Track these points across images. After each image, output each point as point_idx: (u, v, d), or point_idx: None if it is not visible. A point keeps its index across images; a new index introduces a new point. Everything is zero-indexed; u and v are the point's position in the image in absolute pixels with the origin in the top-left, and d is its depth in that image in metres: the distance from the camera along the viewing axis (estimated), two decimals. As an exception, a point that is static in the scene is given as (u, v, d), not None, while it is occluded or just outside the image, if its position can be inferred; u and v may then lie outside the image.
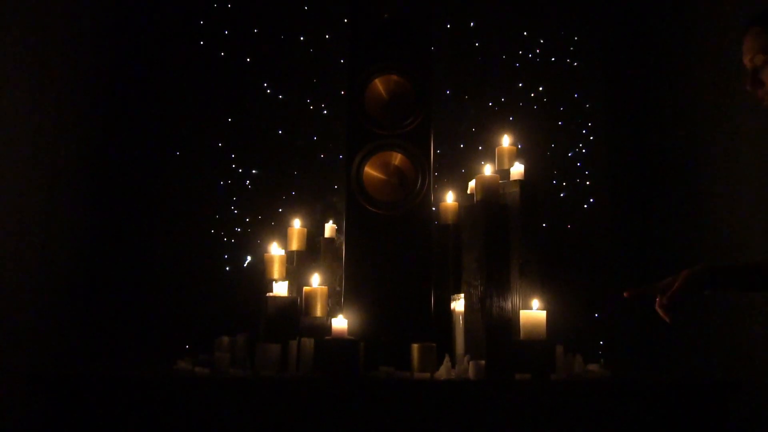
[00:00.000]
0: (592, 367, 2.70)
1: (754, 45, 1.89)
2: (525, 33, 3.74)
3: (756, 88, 1.87)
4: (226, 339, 2.67)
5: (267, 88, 3.66)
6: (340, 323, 2.52)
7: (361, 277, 2.78)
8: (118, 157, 3.48)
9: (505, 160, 3.00)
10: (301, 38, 3.69)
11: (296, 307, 2.72)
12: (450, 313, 2.82)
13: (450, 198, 3.11)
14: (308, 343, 2.51)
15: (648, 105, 3.70)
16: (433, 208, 2.93)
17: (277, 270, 2.88)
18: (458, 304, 2.75)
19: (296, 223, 3.10)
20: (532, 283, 2.71)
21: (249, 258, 3.36)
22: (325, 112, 3.64)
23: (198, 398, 2.35)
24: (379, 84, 2.94)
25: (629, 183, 3.65)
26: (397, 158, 2.89)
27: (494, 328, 2.52)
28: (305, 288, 2.71)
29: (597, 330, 3.51)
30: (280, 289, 2.79)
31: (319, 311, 2.68)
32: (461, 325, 2.70)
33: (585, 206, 3.65)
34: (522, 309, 2.60)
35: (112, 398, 2.35)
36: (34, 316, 2.80)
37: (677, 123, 3.52)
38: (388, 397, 2.36)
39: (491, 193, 2.70)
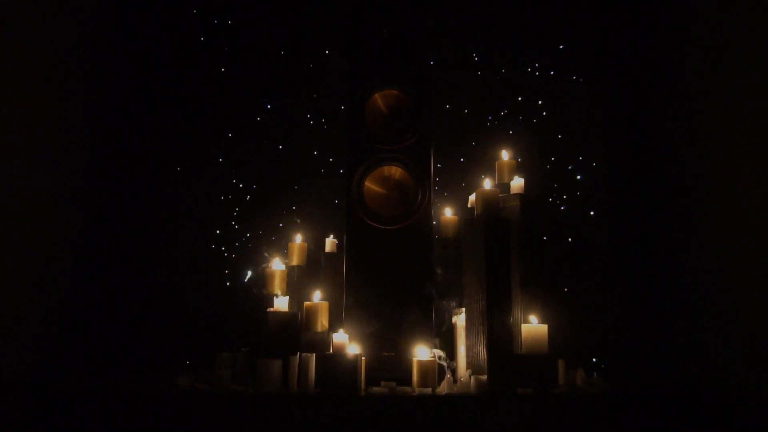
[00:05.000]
0: (595, 380, 2.69)
1: None
2: (524, 47, 3.75)
3: None
4: (226, 355, 2.66)
5: (267, 103, 3.68)
6: (340, 338, 2.51)
7: (361, 291, 2.78)
8: (118, 172, 3.49)
9: (505, 174, 3.00)
10: (301, 54, 3.71)
11: (297, 322, 2.72)
12: (451, 327, 2.81)
13: (450, 212, 3.12)
14: (309, 358, 2.51)
15: (647, 118, 3.71)
16: (434, 222, 2.93)
17: (277, 285, 2.88)
18: (459, 319, 2.75)
19: (297, 238, 3.10)
20: (533, 296, 2.71)
21: (250, 273, 3.36)
22: (326, 127, 3.65)
23: (199, 415, 2.34)
24: (378, 99, 2.95)
25: (629, 196, 3.65)
26: (398, 173, 2.90)
27: (496, 343, 2.51)
28: (306, 303, 2.71)
29: (599, 343, 3.50)
30: (281, 304, 2.78)
31: (319, 326, 2.67)
32: (463, 340, 2.69)
33: (585, 219, 3.65)
34: (523, 323, 2.59)
35: (112, 414, 2.34)
36: (36, 331, 2.80)
37: (677, 136, 3.53)
38: (390, 412, 2.35)
39: (491, 206, 2.70)
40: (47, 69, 2.90)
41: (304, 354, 2.52)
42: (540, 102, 3.74)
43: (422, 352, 2.55)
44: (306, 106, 3.68)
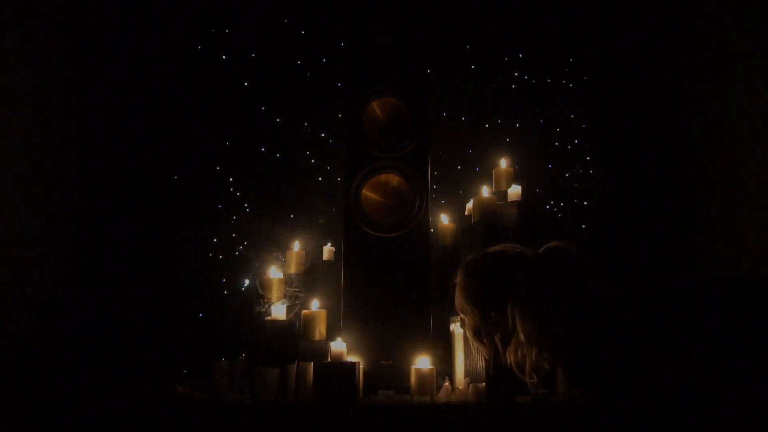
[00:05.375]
0: (593, 388, 2.68)
1: (459, 304, 1.72)
2: (521, 55, 3.76)
3: (483, 349, 1.77)
4: (224, 363, 2.66)
5: (265, 111, 3.68)
6: (338, 346, 2.51)
7: (359, 299, 2.77)
8: (114, 181, 3.48)
9: (502, 182, 3.01)
10: (299, 62, 3.72)
11: (295, 331, 2.71)
12: (449, 335, 2.81)
13: (447, 219, 3.12)
14: (307, 367, 2.50)
15: (644, 125, 3.72)
16: (431, 230, 2.93)
17: (275, 293, 2.87)
18: (457, 327, 2.74)
19: (295, 246, 3.10)
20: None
21: (247, 281, 3.35)
22: (323, 135, 3.66)
23: (196, 423, 2.33)
24: (376, 107, 2.96)
25: (626, 204, 3.66)
26: (395, 180, 2.90)
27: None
28: (304, 311, 2.71)
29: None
30: (279, 312, 2.78)
31: (317, 334, 2.67)
32: (461, 348, 2.69)
33: (582, 227, 3.65)
34: (521, 330, 2.58)
35: (110, 422, 2.33)
36: (32, 339, 2.78)
37: (676, 143, 3.54)
38: (388, 421, 2.34)
39: (489, 214, 2.71)
40: (46, 77, 2.90)
41: (301, 362, 2.51)
42: (536, 109, 3.75)
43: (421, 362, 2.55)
44: (303, 115, 3.68)
